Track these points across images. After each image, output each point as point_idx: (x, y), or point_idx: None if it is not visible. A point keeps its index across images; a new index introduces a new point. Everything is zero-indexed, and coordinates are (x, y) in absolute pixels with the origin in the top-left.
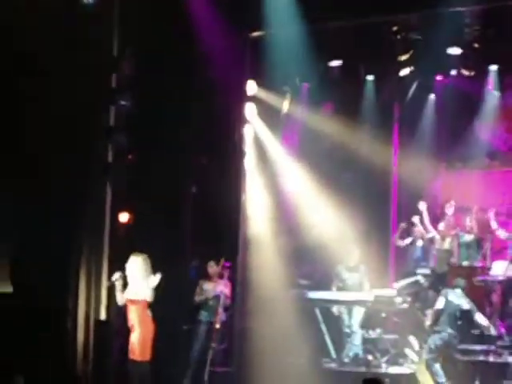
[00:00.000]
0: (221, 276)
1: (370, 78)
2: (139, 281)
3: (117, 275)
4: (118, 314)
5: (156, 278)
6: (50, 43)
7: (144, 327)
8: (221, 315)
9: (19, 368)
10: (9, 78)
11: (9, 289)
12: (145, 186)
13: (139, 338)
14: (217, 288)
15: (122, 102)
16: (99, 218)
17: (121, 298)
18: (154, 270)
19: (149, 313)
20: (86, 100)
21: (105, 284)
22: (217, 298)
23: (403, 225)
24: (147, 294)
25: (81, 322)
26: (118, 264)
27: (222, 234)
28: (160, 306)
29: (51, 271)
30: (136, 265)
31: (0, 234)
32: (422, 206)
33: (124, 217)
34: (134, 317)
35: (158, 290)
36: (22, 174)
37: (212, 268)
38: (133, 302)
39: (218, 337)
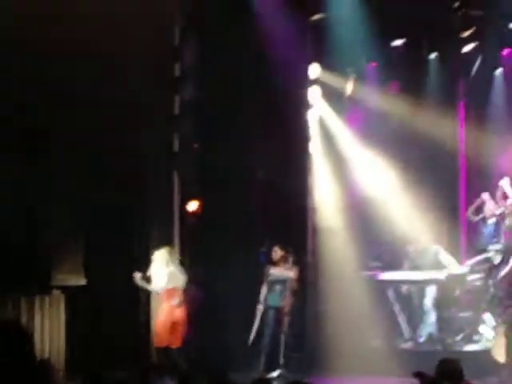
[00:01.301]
0: (286, 260)
1: (434, 55)
2: (163, 271)
3: (137, 275)
4: None
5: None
6: (113, 33)
7: (161, 316)
8: (289, 299)
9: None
10: (72, 68)
11: (82, 281)
12: (212, 174)
13: (157, 326)
14: (283, 272)
15: (186, 91)
16: (168, 208)
17: (151, 289)
18: (224, 257)
19: (173, 301)
20: (150, 90)
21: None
22: (283, 282)
23: (476, 201)
24: (169, 283)
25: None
26: (189, 253)
27: (290, 219)
28: (231, 291)
29: (122, 264)
30: (162, 256)
31: (72, 227)
32: (492, 182)
33: (192, 206)
34: (155, 306)
35: (228, 275)
36: (90, 168)
37: (276, 253)
38: (160, 290)
39: (289, 321)
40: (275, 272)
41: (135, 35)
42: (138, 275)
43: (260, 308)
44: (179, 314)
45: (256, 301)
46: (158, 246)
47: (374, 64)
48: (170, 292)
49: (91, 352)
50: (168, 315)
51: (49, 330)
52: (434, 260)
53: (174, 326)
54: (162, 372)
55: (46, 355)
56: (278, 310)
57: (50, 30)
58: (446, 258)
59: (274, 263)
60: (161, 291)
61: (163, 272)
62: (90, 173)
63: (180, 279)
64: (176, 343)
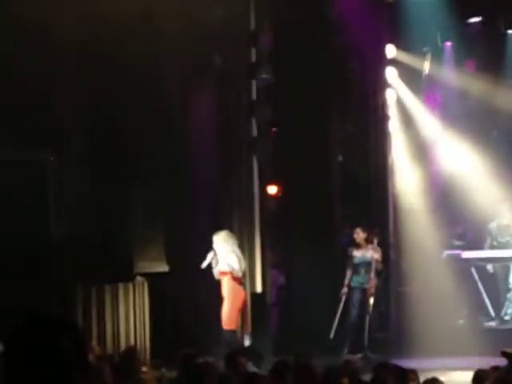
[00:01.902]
0: (370, 241)
1: (511, 31)
2: (225, 254)
3: (211, 254)
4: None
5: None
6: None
7: (230, 298)
8: (374, 281)
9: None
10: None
11: (165, 268)
12: (291, 158)
13: (225, 308)
14: (366, 254)
15: (263, 76)
16: (248, 192)
17: (216, 274)
18: (304, 240)
19: (239, 285)
20: (226, 76)
21: (258, 257)
22: (367, 264)
23: None
24: (232, 266)
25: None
26: (270, 237)
27: (371, 200)
28: (312, 274)
29: (203, 249)
30: (221, 240)
31: (154, 214)
32: None
33: (273, 189)
34: (223, 289)
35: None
36: (171, 155)
37: (358, 235)
38: (223, 273)
39: (374, 302)
40: (358, 254)
41: (211, 21)
42: (212, 253)
43: (345, 290)
44: (245, 297)
45: (338, 283)
46: (240, 231)
47: (450, 42)
48: (230, 274)
49: (175, 338)
50: (239, 297)
51: (133, 317)
52: None
53: (236, 308)
54: (248, 357)
55: (132, 342)
56: (363, 292)
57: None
58: None
59: (357, 245)
60: (223, 273)
61: (225, 255)
62: (172, 160)
63: (241, 263)
64: (235, 326)
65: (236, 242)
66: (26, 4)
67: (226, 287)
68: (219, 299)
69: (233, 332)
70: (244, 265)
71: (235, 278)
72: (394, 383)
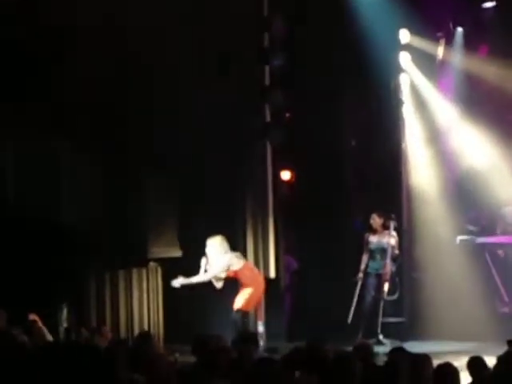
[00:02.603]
0: (386, 227)
1: None
2: (216, 258)
3: (204, 261)
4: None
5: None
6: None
7: (252, 285)
8: (389, 266)
9: None
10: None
11: (178, 253)
12: (304, 143)
13: (244, 293)
14: (382, 240)
15: (276, 61)
16: (262, 178)
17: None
18: (318, 225)
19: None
20: (239, 61)
21: (272, 242)
22: (383, 250)
23: None
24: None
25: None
26: (283, 222)
27: (385, 185)
28: (326, 261)
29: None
30: (214, 245)
31: (167, 200)
32: None
33: (286, 175)
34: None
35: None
36: (186, 143)
37: (374, 220)
38: (234, 272)
39: (389, 288)
40: (374, 240)
41: (224, 6)
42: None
43: (360, 276)
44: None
45: (352, 269)
46: (253, 217)
47: (464, 27)
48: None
49: (189, 323)
50: (259, 286)
51: (147, 302)
52: None
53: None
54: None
55: (145, 327)
56: (379, 277)
57: None
58: None
59: (374, 231)
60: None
61: (221, 257)
62: (185, 147)
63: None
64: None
65: (227, 245)
66: None
67: (245, 278)
68: (233, 285)
69: (244, 313)
70: (242, 259)
71: (247, 269)
72: (408, 368)
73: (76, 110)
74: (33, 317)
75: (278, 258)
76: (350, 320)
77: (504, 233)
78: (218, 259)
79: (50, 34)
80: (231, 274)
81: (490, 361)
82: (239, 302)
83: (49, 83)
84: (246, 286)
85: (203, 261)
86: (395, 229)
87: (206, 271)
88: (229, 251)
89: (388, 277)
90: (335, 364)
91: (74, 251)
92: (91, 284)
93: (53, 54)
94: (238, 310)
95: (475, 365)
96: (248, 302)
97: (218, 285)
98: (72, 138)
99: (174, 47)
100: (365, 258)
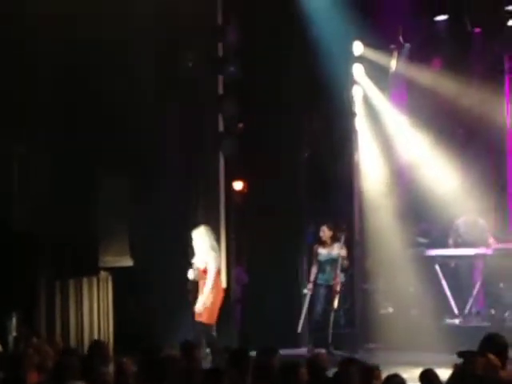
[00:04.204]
0: (337, 239)
1: (477, 30)
2: (204, 250)
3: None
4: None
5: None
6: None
7: (213, 293)
8: (339, 278)
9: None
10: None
11: (129, 263)
12: (257, 154)
13: (205, 303)
14: (332, 251)
15: (230, 71)
16: (214, 188)
17: (192, 273)
18: (270, 237)
19: (219, 281)
20: (192, 70)
21: (223, 253)
22: (333, 261)
23: None
24: (209, 263)
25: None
26: (235, 233)
27: (336, 197)
28: (277, 271)
29: (169, 245)
30: (200, 236)
31: (118, 209)
32: None
33: (238, 185)
34: (203, 285)
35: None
36: (136, 150)
37: (324, 232)
38: (205, 271)
39: (339, 299)
40: (324, 251)
41: (179, 16)
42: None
43: (310, 287)
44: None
45: (303, 280)
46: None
47: (417, 40)
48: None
49: (139, 333)
50: (217, 294)
51: (97, 312)
52: (481, 235)
53: (217, 304)
54: (213, 351)
55: (95, 337)
56: (329, 288)
57: None
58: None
59: (323, 243)
60: (200, 270)
61: (206, 251)
62: (137, 155)
63: (218, 259)
64: (214, 321)
65: (214, 236)
66: None
67: (209, 284)
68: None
69: (210, 326)
70: (219, 260)
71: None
72: (358, 378)
73: (28, 110)
74: None
75: (229, 268)
76: (299, 329)
77: (456, 245)
78: (205, 253)
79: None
80: (201, 272)
81: (440, 372)
82: (205, 314)
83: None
84: (210, 292)
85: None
86: (346, 240)
87: (192, 264)
88: (214, 244)
89: (338, 288)
90: (282, 372)
91: (24, 259)
92: (41, 293)
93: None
94: (203, 324)
95: (427, 377)
96: (212, 312)
97: (192, 275)
98: (26, 139)
99: (133, 54)
100: (314, 269)
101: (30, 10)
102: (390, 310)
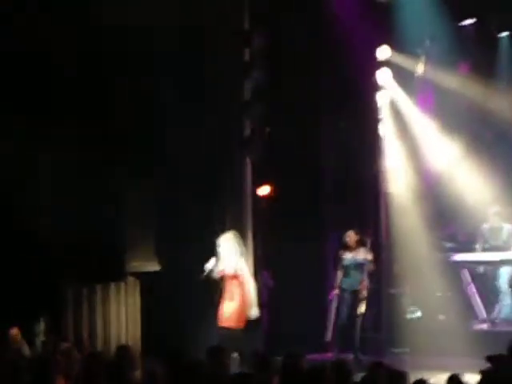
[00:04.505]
0: (362, 244)
1: (504, 34)
2: (234, 256)
3: (211, 264)
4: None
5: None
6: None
7: (241, 298)
8: (366, 282)
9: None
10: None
11: (156, 267)
12: (284, 159)
13: (234, 308)
14: (357, 256)
15: (256, 76)
16: (241, 193)
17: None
18: (296, 242)
19: (247, 286)
20: (219, 75)
21: (251, 258)
22: (358, 265)
23: None
24: (241, 268)
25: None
26: (261, 237)
27: (363, 202)
28: (303, 276)
29: (195, 250)
30: (228, 241)
31: (145, 214)
32: None
33: (265, 190)
34: (233, 290)
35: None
36: (162, 155)
37: (350, 237)
38: (235, 276)
39: (367, 304)
40: (349, 256)
41: (205, 21)
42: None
43: (335, 292)
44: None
45: (329, 285)
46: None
47: (443, 44)
48: (239, 277)
49: (167, 338)
50: (241, 298)
51: (125, 317)
52: (508, 239)
53: (243, 309)
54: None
55: (122, 341)
56: (355, 294)
57: None
58: None
59: (348, 247)
60: (228, 275)
61: (233, 257)
62: (163, 161)
63: (247, 265)
64: (242, 325)
65: (242, 242)
66: None
67: (237, 290)
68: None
69: (238, 330)
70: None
71: (241, 280)
72: (387, 383)
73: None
74: (15, 331)
75: (257, 273)
76: (328, 337)
77: (483, 250)
78: (235, 259)
79: None
80: (229, 277)
81: (468, 377)
82: (234, 319)
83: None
84: (231, 298)
85: (212, 261)
86: (372, 245)
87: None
88: (243, 250)
89: (364, 293)
90: (309, 375)
91: (51, 264)
92: (69, 298)
93: None
94: (232, 328)
95: (455, 382)
96: (240, 316)
97: (216, 274)
98: (54, 147)
99: (154, 61)
100: (339, 274)
101: None
102: (417, 314)
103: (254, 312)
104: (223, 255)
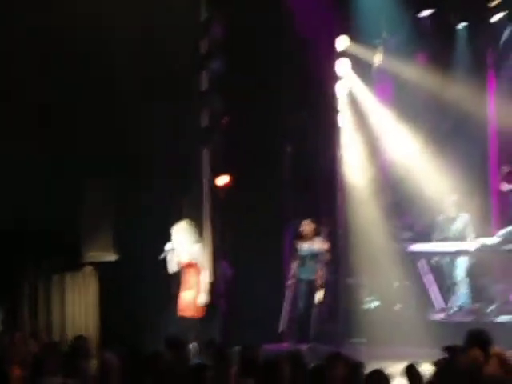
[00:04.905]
0: (318, 233)
1: (462, 25)
2: (190, 244)
3: (169, 245)
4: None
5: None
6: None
7: (198, 287)
8: (321, 272)
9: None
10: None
11: (113, 257)
12: (241, 149)
13: (191, 297)
14: (313, 246)
15: (214, 66)
16: (199, 182)
17: (173, 266)
18: (254, 232)
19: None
20: (177, 66)
21: (209, 247)
22: (314, 255)
23: (505, 169)
24: (196, 257)
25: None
26: (220, 227)
27: (319, 192)
28: (260, 266)
29: (153, 240)
30: (181, 230)
31: (102, 203)
32: None
33: (223, 180)
34: (190, 278)
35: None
36: (121, 147)
37: (305, 227)
38: (190, 265)
39: (322, 294)
40: (305, 246)
41: (162, 13)
42: (170, 245)
43: (291, 282)
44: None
45: (286, 275)
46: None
47: (401, 35)
48: (195, 265)
49: (123, 327)
50: (198, 287)
51: (82, 307)
52: (464, 230)
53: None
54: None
55: (79, 332)
56: (311, 283)
57: None
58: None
59: (304, 237)
60: (184, 264)
61: (188, 245)
62: (122, 149)
63: (202, 253)
64: (200, 315)
65: (196, 231)
66: None
67: (194, 278)
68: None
69: (196, 320)
70: (203, 255)
71: (198, 269)
72: (343, 373)
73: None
74: None
75: (214, 263)
76: (281, 328)
77: (439, 240)
78: (189, 247)
79: None
80: (185, 266)
81: (425, 367)
82: (192, 308)
83: None
84: (189, 287)
85: (168, 245)
86: (328, 234)
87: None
88: (198, 238)
89: (320, 283)
90: (265, 366)
91: (8, 255)
92: (25, 288)
93: None
94: (189, 318)
95: (411, 371)
96: (197, 306)
97: (175, 268)
98: (14, 137)
99: (112, 54)
100: (294, 264)
101: None
102: (374, 304)
103: (202, 298)
104: (177, 245)
